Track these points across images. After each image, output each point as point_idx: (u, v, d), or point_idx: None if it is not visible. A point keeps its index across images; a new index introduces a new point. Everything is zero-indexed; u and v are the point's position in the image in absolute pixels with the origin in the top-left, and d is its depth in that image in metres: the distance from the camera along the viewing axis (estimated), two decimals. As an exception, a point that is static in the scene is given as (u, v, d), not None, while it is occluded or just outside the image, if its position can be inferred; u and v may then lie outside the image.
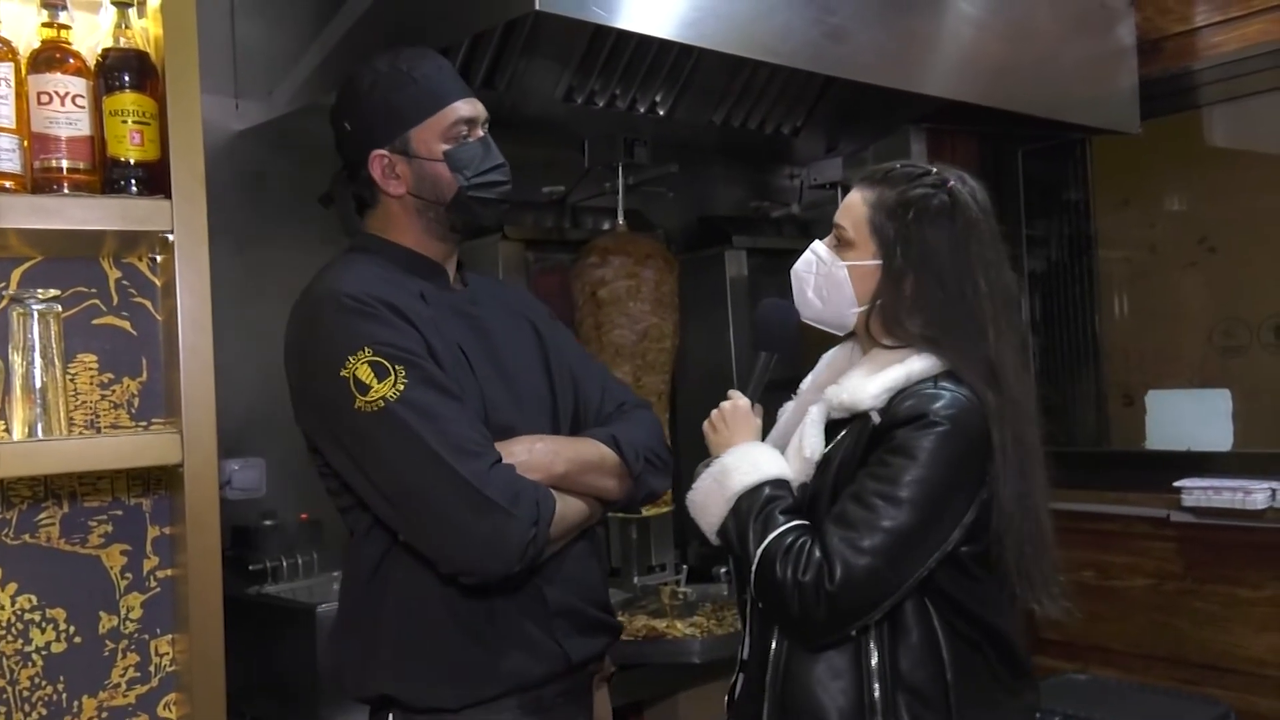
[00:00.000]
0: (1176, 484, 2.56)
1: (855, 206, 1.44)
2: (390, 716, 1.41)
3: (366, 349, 1.31)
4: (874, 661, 1.33)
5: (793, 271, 1.51)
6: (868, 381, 1.37)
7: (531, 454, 1.40)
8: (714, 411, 1.48)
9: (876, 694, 1.33)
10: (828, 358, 1.60)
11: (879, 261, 1.41)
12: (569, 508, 1.41)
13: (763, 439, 1.50)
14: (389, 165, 1.45)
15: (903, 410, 1.33)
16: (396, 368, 1.31)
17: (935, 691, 1.34)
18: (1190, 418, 2.79)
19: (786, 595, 1.29)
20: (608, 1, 1.66)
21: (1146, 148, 2.81)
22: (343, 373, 1.31)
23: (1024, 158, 3.05)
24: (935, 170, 1.44)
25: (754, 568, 1.32)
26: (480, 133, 1.48)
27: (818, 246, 1.48)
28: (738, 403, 1.48)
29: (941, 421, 1.30)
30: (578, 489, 1.44)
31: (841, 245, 1.45)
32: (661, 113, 2.32)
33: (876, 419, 1.35)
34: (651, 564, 2.56)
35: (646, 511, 2.33)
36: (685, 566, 2.51)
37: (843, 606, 1.28)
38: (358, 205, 1.52)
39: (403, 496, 1.32)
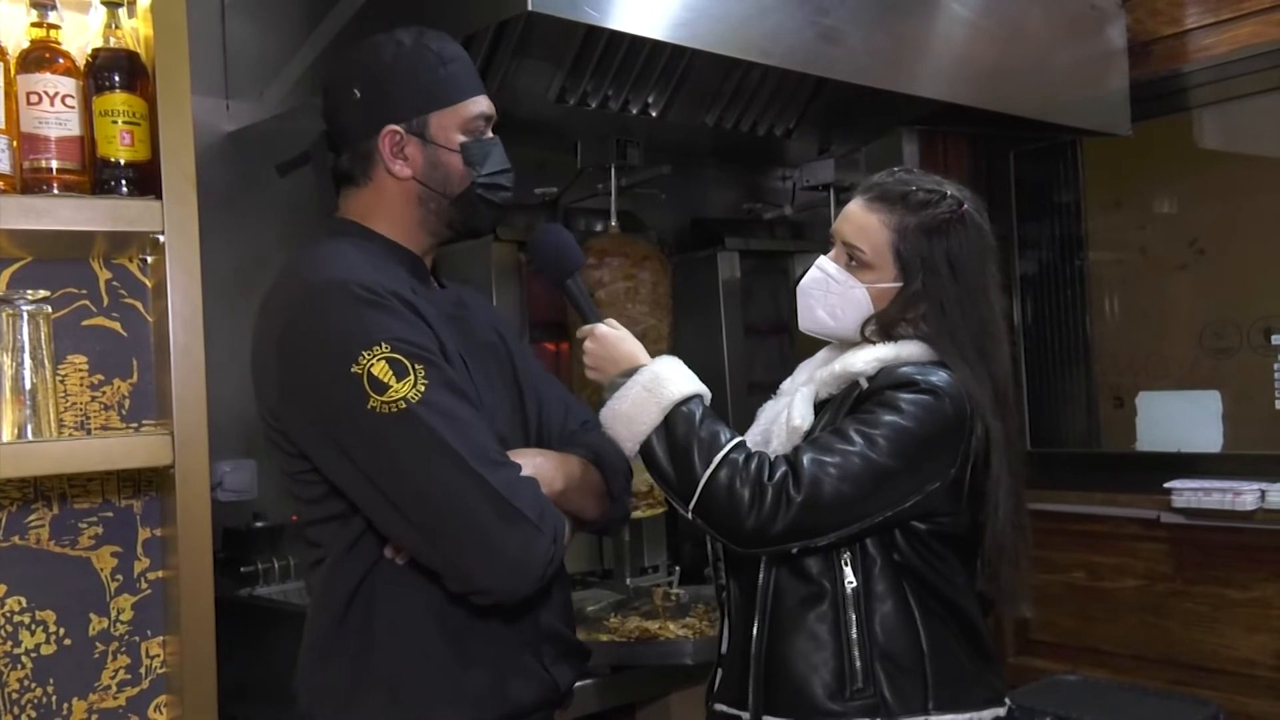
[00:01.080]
0: (1167, 485, 2.57)
1: (874, 230, 1.45)
2: None
3: (383, 344, 1.21)
4: (854, 633, 1.37)
5: (800, 289, 1.51)
6: (858, 355, 1.42)
7: (536, 469, 1.32)
8: (585, 354, 1.44)
9: (857, 663, 1.37)
10: (807, 362, 1.62)
11: (899, 284, 1.44)
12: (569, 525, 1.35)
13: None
14: (399, 144, 1.35)
15: (891, 377, 1.39)
16: (416, 367, 1.21)
17: (912, 660, 1.38)
18: (1180, 419, 2.80)
19: (742, 506, 1.29)
20: (600, 2, 1.66)
21: (1137, 150, 2.82)
22: (354, 369, 1.20)
23: (1015, 159, 3.06)
24: (949, 192, 1.46)
25: (704, 480, 1.31)
26: (491, 133, 1.42)
27: (827, 265, 1.49)
28: (598, 329, 1.44)
29: (928, 390, 1.36)
30: (568, 507, 1.36)
31: (859, 266, 1.46)
32: (654, 114, 2.32)
33: (864, 384, 1.40)
34: (644, 565, 2.56)
35: (642, 514, 2.33)
36: (678, 568, 2.51)
37: (800, 521, 1.30)
38: (339, 181, 1.41)
39: (422, 506, 1.22)
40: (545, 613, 1.38)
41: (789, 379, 1.61)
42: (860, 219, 1.46)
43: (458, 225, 1.42)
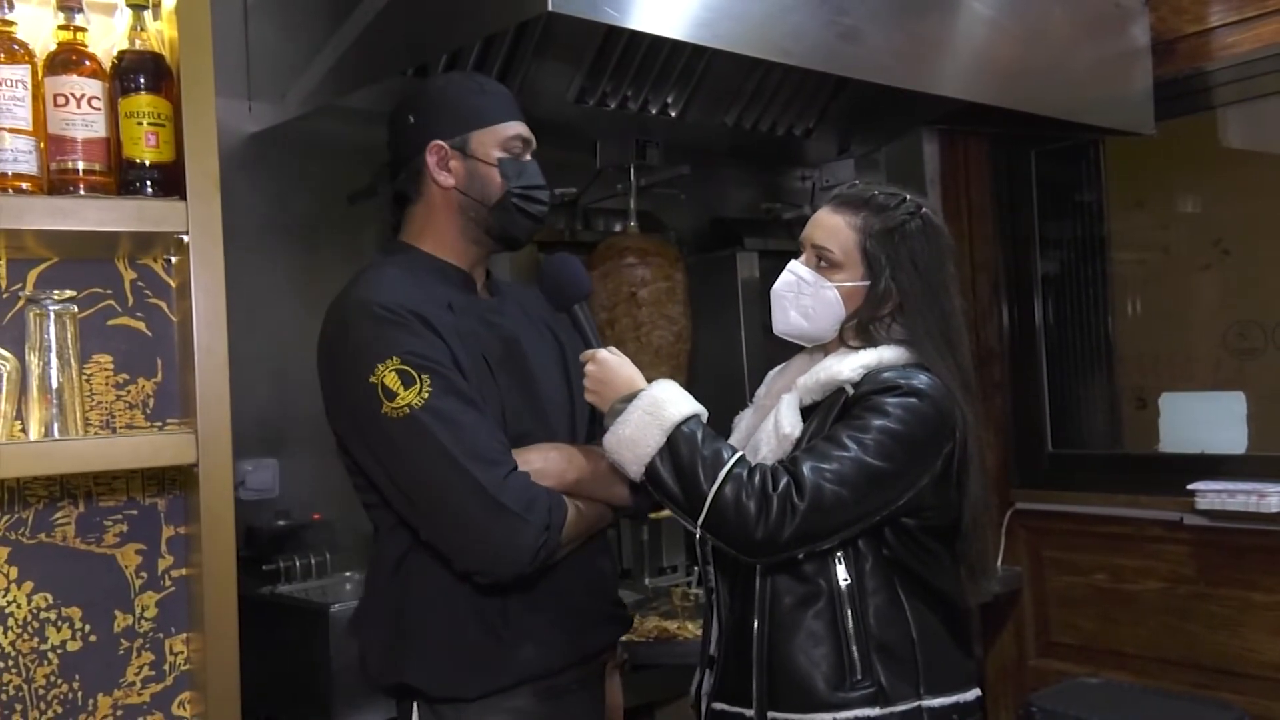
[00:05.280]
0: (1190, 487, 2.55)
1: (841, 230, 1.52)
2: (415, 705, 1.46)
3: (395, 357, 1.37)
4: (850, 627, 1.44)
5: (773, 293, 1.57)
6: (843, 362, 1.47)
7: (546, 462, 1.45)
8: (587, 378, 1.48)
9: (855, 655, 1.43)
10: (777, 371, 1.69)
11: (867, 282, 1.51)
12: (580, 513, 1.46)
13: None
14: (444, 157, 1.52)
15: (877, 381, 1.44)
16: (422, 376, 1.37)
17: (905, 649, 1.45)
18: (1204, 420, 2.77)
19: (750, 518, 1.34)
20: (620, 2, 1.67)
21: (1160, 149, 2.80)
22: (371, 379, 1.37)
23: (1037, 159, 3.03)
24: (908, 196, 1.55)
25: (711, 496, 1.36)
26: (529, 157, 1.56)
27: (798, 268, 1.55)
28: (600, 354, 1.48)
29: (913, 392, 1.42)
30: (590, 495, 1.49)
31: (829, 267, 1.53)
32: (673, 114, 2.32)
33: (850, 390, 1.45)
34: (663, 565, 2.56)
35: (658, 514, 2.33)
36: (696, 568, 2.51)
37: (806, 527, 1.35)
38: (398, 202, 1.58)
39: (423, 498, 1.39)
40: (566, 585, 1.49)
41: (762, 389, 1.68)
42: (828, 222, 1.54)
43: (496, 233, 1.55)
